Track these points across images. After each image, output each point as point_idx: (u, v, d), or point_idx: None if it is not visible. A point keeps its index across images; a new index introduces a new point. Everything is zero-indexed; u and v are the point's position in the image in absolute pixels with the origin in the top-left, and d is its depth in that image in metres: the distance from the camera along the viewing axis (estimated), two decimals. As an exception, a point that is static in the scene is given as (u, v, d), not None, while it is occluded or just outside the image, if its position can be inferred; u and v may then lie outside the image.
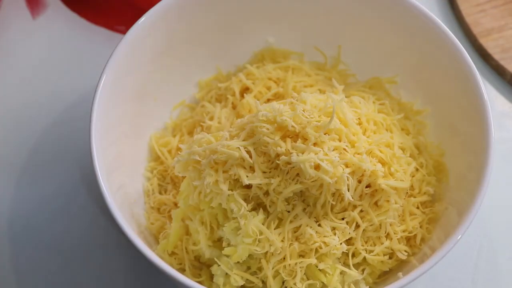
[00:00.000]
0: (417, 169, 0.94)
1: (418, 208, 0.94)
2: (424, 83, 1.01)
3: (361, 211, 0.88)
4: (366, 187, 0.89)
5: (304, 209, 0.87)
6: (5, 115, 1.12)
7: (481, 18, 1.19)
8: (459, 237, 0.84)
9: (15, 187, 1.06)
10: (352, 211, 0.88)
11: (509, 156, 1.10)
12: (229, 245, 0.88)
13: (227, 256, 0.88)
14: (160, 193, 0.99)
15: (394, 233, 0.90)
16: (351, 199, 0.86)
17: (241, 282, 0.88)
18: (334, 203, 0.86)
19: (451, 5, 1.22)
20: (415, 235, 0.92)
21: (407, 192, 0.93)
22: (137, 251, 0.83)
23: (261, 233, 0.85)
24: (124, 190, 0.95)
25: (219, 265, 0.88)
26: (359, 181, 0.87)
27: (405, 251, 0.91)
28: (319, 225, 0.87)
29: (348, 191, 0.85)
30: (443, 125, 0.99)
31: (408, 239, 0.92)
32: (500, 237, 1.04)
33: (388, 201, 0.90)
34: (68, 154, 1.08)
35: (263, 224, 0.85)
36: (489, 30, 1.18)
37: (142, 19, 0.95)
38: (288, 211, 0.86)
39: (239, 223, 0.85)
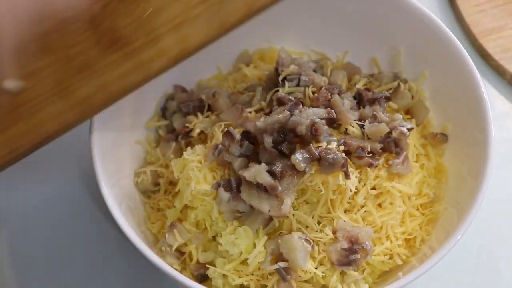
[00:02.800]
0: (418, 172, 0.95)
1: (417, 209, 0.94)
2: (424, 83, 1.00)
3: (365, 211, 0.89)
4: (372, 189, 0.89)
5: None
6: (5, 115, 1.12)
7: (481, 18, 1.19)
8: (459, 237, 0.84)
9: (16, 187, 1.06)
10: (355, 214, 0.88)
11: (509, 156, 1.10)
12: (227, 251, 0.89)
13: (223, 257, 0.89)
14: (159, 193, 0.99)
15: (394, 235, 0.90)
16: (352, 189, 0.86)
17: (239, 281, 0.88)
18: (336, 197, 0.87)
19: (451, 5, 1.22)
20: (414, 237, 0.92)
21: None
22: (137, 251, 0.83)
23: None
24: (124, 190, 0.95)
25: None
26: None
27: (404, 254, 0.91)
28: (319, 223, 0.88)
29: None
30: (443, 124, 0.99)
31: (407, 240, 0.92)
32: (500, 237, 1.04)
33: (392, 203, 0.90)
34: (68, 154, 1.08)
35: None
36: (489, 30, 1.18)
37: (142, 19, 0.95)
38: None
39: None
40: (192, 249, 0.91)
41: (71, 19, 0.77)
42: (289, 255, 0.85)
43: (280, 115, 0.86)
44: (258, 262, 0.87)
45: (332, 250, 0.86)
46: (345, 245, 0.86)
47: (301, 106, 0.88)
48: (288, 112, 0.86)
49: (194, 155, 0.92)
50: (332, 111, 0.89)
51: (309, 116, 0.86)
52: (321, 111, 0.88)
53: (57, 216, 1.04)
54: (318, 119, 0.86)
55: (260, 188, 0.84)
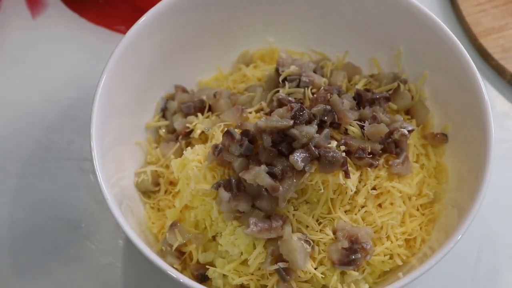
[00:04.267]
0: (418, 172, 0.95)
1: (418, 210, 0.94)
2: (424, 83, 1.00)
3: (365, 211, 0.89)
4: (372, 189, 0.89)
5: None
6: (5, 114, 1.12)
7: (482, 18, 1.19)
8: (459, 237, 0.84)
9: (15, 187, 1.06)
10: (356, 214, 0.88)
11: (509, 156, 1.10)
12: (227, 251, 0.89)
13: (222, 257, 0.89)
14: (160, 193, 0.99)
15: (394, 236, 0.90)
16: (353, 188, 0.86)
17: (239, 281, 0.88)
18: (336, 197, 0.87)
19: (452, 4, 1.22)
20: (414, 237, 0.92)
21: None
22: (138, 251, 0.83)
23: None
24: (125, 190, 0.95)
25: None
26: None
27: (405, 255, 0.91)
28: (319, 223, 0.88)
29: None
30: (443, 124, 0.99)
31: (407, 241, 0.92)
32: (500, 237, 1.04)
33: (392, 203, 0.90)
34: (69, 154, 1.08)
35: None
36: (490, 29, 1.18)
37: (142, 19, 0.95)
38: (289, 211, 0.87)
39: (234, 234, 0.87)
40: (192, 249, 0.91)
41: None
42: (288, 256, 0.85)
43: (283, 122, 0.86)
44: (259, 263, 0.87)
45: (333, 249, 0.86)
46: (346, 244, 0.86)
47: (305, 112, 0.87)
48: (292, 121, 0.86)
49: (194, 155, 0.92)
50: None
51: (309, 135, 0.86)
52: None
53: (57, 216, 1.04)
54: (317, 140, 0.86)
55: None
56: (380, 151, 0.90)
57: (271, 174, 0.84)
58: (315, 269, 0.87)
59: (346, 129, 0.91)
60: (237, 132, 0.88)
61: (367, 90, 0.96)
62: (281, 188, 0.84)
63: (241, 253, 0.88)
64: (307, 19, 1.04)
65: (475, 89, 0.92)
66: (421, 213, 0.94)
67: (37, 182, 1.06)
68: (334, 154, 0.84)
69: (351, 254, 0.86)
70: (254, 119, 0.94)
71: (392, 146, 0.90)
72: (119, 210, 0.86)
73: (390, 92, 0.97)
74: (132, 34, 0.94)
